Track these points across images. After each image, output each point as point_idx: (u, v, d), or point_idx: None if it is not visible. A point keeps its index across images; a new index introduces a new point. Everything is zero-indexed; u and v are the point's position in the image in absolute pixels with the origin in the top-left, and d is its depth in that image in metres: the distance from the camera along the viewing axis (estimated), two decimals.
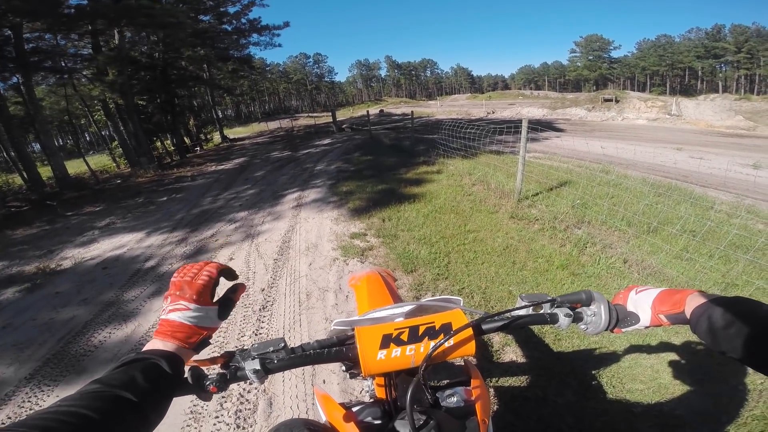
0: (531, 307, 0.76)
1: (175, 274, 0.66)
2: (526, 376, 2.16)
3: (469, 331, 0.70)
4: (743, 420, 1.79)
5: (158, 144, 19.10)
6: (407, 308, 0.90)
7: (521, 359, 2.33)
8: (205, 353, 0.69)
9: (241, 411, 2.12)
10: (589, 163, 7.55)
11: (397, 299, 1.25)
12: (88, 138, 54.74)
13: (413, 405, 0.66)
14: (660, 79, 79.21)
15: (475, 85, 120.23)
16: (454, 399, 0.84)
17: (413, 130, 11.83)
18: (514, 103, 42.28)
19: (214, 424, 2.04)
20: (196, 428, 2.04)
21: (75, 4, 11.52)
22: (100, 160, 22.29)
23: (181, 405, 2.16)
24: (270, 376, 2.34)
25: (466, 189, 6.10)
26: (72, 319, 3.36)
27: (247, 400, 2.19)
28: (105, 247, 5.35)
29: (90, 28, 12.77)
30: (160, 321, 0.63)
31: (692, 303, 0.61)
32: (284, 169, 10.48)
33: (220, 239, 5.10)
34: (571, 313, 0.73)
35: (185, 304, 0.63)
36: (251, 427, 2.02)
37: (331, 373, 2.33)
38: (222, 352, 0.69)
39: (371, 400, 0.90)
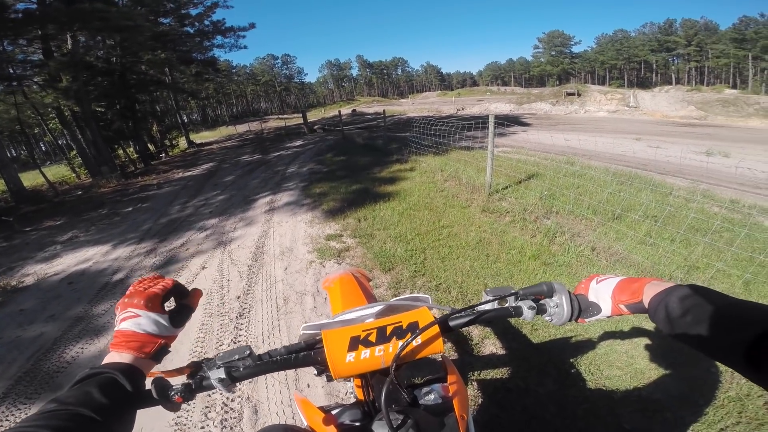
0: (496, 301, 0.77)
1: (130, 287, 0.67)
2: (507, 368, 2.21)
3: (436, 329, 0.71)
4: (720, 402, 1.85)
5: (120, 152, 18.24)
6: (376, 309, 0.90)
7: (501, 351, 2.38)
8: (177, 364, 0.68)
9: (226, 420, 2.08)
10: (554, 155, 7.83)
11: (371, 299, 1.25)
12: (43, 148, 51.58)
13: (389, 405, 0.66)
14: (618, 72, 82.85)
15: (445, 83, 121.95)
16: (432, 396, 0.84)
17: (386, 128, 11.82)
18: (482, 99, 43.16)
19: None
20: None
21: (23, 9, 10.81)
22: (58, 171, 21.06)
23: (165, 417, 2.11)
24: (254, 384, 2.30)
25: (439, 185, 6.18)
26: (40, 336, 3.19)
27: (231, 409, 2.16)
28: (69, 262, 5.08)
29: (40, 33, 12.00)
30: (114, 333, 0.63)
31: (650, 292, 0.61)
32: (255, 173, 10.26)
33: (191, 248, 4.94)
34: (535, 305, 0.74)
35: (134, 311, 0.63)
36: None
37: (315, 376, 2.31)
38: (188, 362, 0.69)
39: (352, 402, 0.90)
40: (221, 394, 2.25)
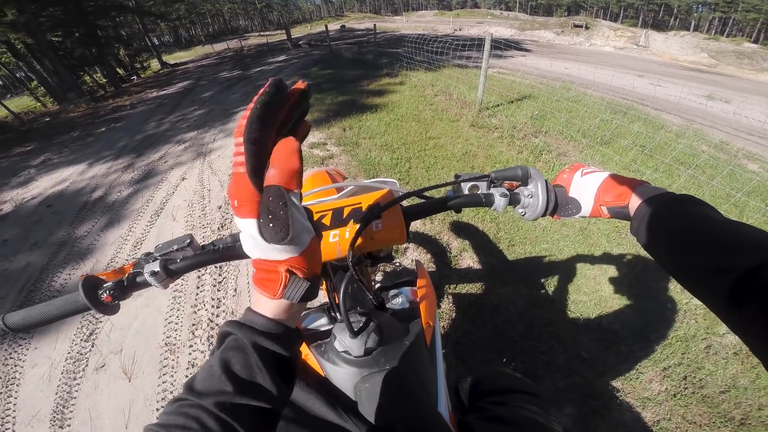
0: (465, 184, 0.68)
1: None
2: (482, 283, 2.24)
3: (398, 215, 0.63)
4: (669, 340, 1.90)
5: (87, 78, 17.01)
6: (337, 191, 0.82)
7: (477, 266, 2.41)
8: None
9: (212, 336, 2.13)
10: (550, 81, 7.50)
11: (340, 179, 1.17)
12: (0, 82, 47.01)
13: (346, 307, 0.60)
14: (634, 11, 77.13)
15: (444, 2, 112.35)
16: (399, 300, 0.80)
17: (376, 44, 11.01)
18: (482, 21, 40.23)
19: (190, 353, 2.05)
20: (173, 359, 2.03)
21: None
22: (21, 102, 19.58)
23: (155, 339, 2.15)
24: (236, 298, 2.30)
25: (429, 99, 5.97)
26: (27, 267, 3.08)
27: (216, 324, 2.20)
28: (45, 185, 4.81)
29: None
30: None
31: (638, 198, 0.52)
32: (234, 88, 9.65)
33: (170, 160, 4.78)
34: (507, 193, 0.65)
35: None
36: None
37: None
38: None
39: (318, 305, 0.85)
40: (206, 311, 2.27)
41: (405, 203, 0.68)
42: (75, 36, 16.04)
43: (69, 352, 2.16)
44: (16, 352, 2.28)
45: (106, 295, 0.55)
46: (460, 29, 29.70)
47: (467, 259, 2.47)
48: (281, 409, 0.40)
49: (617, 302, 2.12)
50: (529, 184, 0.64)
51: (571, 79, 8.15)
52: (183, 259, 0.58)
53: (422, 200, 0.69)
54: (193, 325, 2.23)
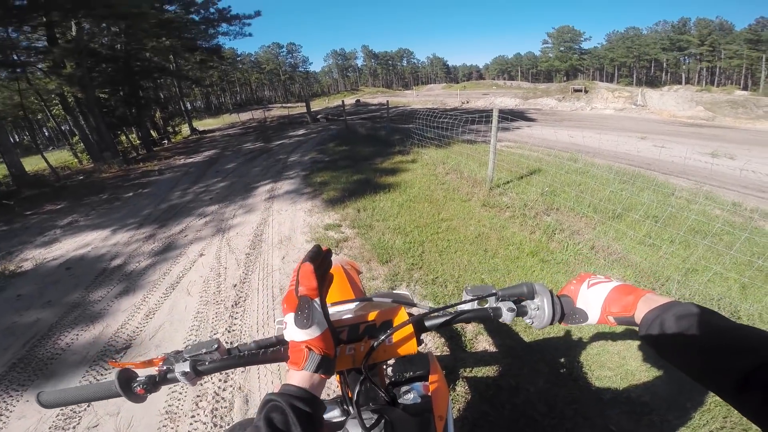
0: (475, 302, 0.74)
1: None
2: (499, 365, 2.19)
3: (409, 329, 0.69)
4: (707, 406, 1.83)
5: (123, 138, 18.25)
6: (353, 305, 0.89)
7: (493, 348, 2.36)
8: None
9: (217, 409, 2.09)
10: (557, 151, 7.75)
11: (359, 293, 1.23)
12: (46, 133, 51.62)
13: (362, 404, 0.65)
14: (627, 70, 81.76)
15: (451, 75, 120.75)
16: (411, 396, 0.82)
17: (389, 119, 11.76)
18: (488, 92, 42.78)
19: (191, 424, 2.01)
20: (172, 428, 1.99)
21: None
22: (60, 156, 21.15)
23: (155, 405, 2.11)
24: (246, 374, 2.30)
25: (440, 178, 6.15)
26: (36, 323, 3.20)
27: (222, 398, 2.16)
28: (68, 247, 5.09)
29: (44, 19, 11.90)
30: None
31: (644, 307, 0.58)
32: (256, 161, 10.24)
33: (190, 234, 4.95)
34: (515, 307, 0.70)
35: None
36: (228, 425, 1.99)
37: None
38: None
39: (332, 398, 0.89)
40: (212, 382, 2.26)
41: (416, 313, 0.75)
42: (119, 95, 17.59)
43: (62, 409, 2.11)
44: (5, 401, 2.27)
45: (140, 388, 0.62)
46: (468, 102, 31.61)
47: (483, 342, 2.42)
48: None
49: (645, 374, 2.06)
50: (535, 298, 0.70)
51: (577, 148, 8.39)
52: (211, 362, 0.66)
53: (434, 313, 0.75)
54: (198, 396, 2.18)
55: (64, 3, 10.71)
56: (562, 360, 2.21)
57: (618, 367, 2.12)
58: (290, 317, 0.58)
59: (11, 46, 12.68)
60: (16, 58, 13.28)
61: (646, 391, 1.95)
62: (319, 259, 0.65)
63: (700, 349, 0.48)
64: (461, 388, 2.05)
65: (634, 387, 1.99)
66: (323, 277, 0.67)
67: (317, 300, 0.59)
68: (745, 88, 49.73)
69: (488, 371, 2.17)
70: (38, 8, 10.96)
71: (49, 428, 2.05)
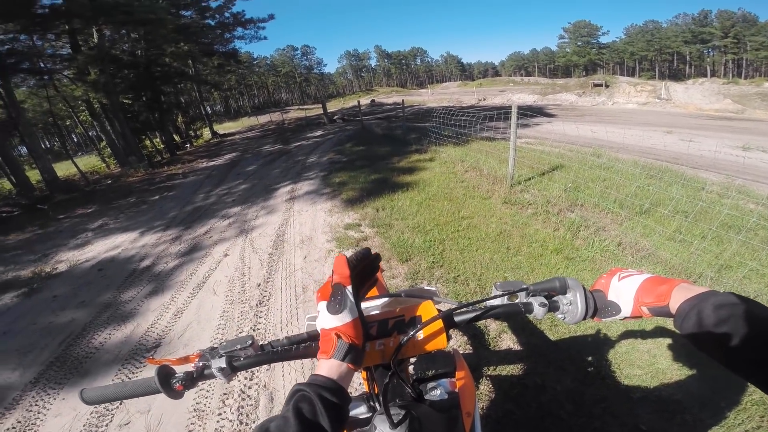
0: (505, 297, 0.72)
1: None
2: (524, 364, 2.16)
3: (439, 324, 0.69)
4: (743, 405, 1.77)
5: (147, 142, 18.84)
6: (381, 301, 0.89)
7: (518, 346, 2.33)
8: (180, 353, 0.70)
9: (243, 407, 2.13)
10: (580, 147, 7.57)
11: (381, 290, 1.23)
12: (75, 139, 53.73)
13: (390, 400, 0.65)
14: (649, 64, 79.16)
15: (466, 73, 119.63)
16: (438, 392, 0.83)
17: (405, 119, 11.71)
18: (504, 89, 42.14)
19: (218, 421, 2.05)
20: (200, 426, 2.04)
21: (49, 4, 11.11)
22: (89, 161, 21.96)
23: (184, 403, 2.17)
24: (271, 372, 2.33)
25: (459, 176, 6.10)
26: (71, 322, 3.34)
27: (248, 396, 2.20)
28: (99, 249, 5.30)
29: (67, 27, 12.41)
30: None
31: (678, 296, 0.55)
32: (276, 163, 10.39)
33: (215, 235, 5.07)
34: (546, 302, 0.68)
35: None
36: (254, 422, 2.03)
37: None
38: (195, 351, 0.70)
39: (358, 394, 0.90)
40: (239, 381, 2.31)
41: (446, 309, 0.73)
42: (142, 100, 18.24)
43: (95, 407, 2.18)
44: (42, 399, 2.35)
45: (179, 384, 0.64)
46: (484, 99, 31.21)
47: (507, 340, 2.39)
48: None
49: (677, 373, 2.00)
50: (567, 293, 0.68)
51: (599, 143, 8.20)
52: (246, 358, 0.67)
53: (463, 308, 0.73)
54: (225, 394, 2.23)
55: (84, 11, 11.12)
56: (590, 358, 2.16)
57: (648, 365, 2.06)
58: (323, 305, 0.60)
59: (37, 54, 13.29)
60: (42, 65, 13.88)
61: (679, 390, 1.90)
62: (367, 260, 0.69)
63: (743, 341, 0.45)
64: (485, 386, 2.03)
65: (665, 385, 1.93)
66: (368, 277, 0.71)
67: (350, 288, 0.61)
68: None
69: (513, 369, 2.14)
70: (60, 16, 11.42)
71: (84, 425, 2.13)
